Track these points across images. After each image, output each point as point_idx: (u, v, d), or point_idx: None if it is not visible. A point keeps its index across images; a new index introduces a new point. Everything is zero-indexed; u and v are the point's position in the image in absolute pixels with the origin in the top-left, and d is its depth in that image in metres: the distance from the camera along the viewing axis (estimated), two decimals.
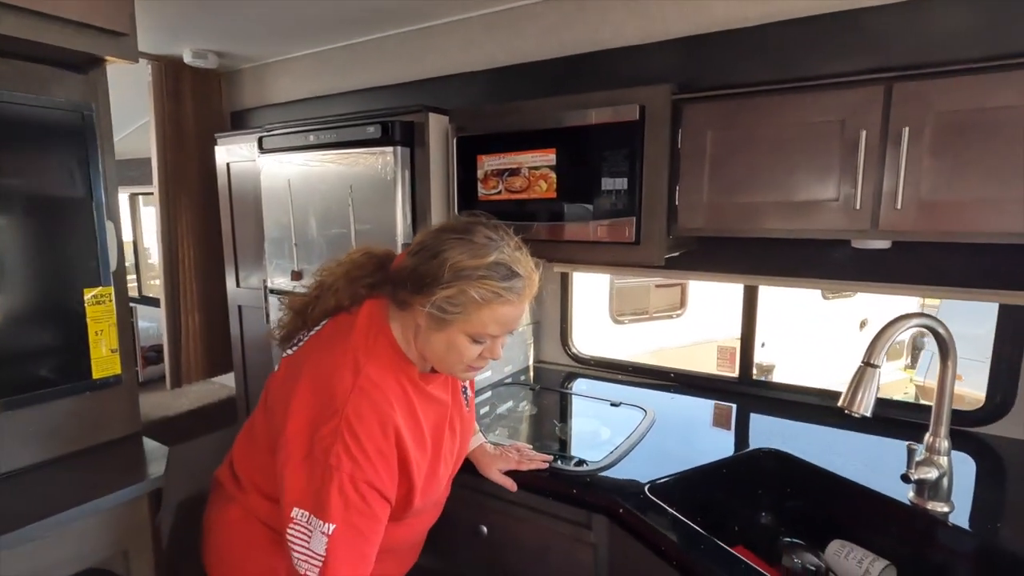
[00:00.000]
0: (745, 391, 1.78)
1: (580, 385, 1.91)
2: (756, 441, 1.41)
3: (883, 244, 1.28)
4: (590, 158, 1.35)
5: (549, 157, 1.40)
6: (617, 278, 3.75)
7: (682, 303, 4.37)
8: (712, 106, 1.28)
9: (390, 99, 1.86)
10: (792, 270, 1.54)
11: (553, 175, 1.40)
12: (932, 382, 3.87)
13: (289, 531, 0.81)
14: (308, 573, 0.80)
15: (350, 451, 0.82)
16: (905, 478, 1.10)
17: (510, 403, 1.77)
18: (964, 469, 1.26)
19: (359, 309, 0.95)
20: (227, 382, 2.38)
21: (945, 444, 1.10)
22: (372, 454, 0.84)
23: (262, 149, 1.78)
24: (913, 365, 6.11)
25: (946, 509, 1.10)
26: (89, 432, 1.00)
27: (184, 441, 2.12)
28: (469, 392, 1.18)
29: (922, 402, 1.59)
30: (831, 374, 3.88)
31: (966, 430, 1.45)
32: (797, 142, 1.21)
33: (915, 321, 1.05)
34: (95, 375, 0.92)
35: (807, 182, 1.21)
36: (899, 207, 1.10)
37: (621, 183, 1.32)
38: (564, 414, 1.66)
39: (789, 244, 1.54)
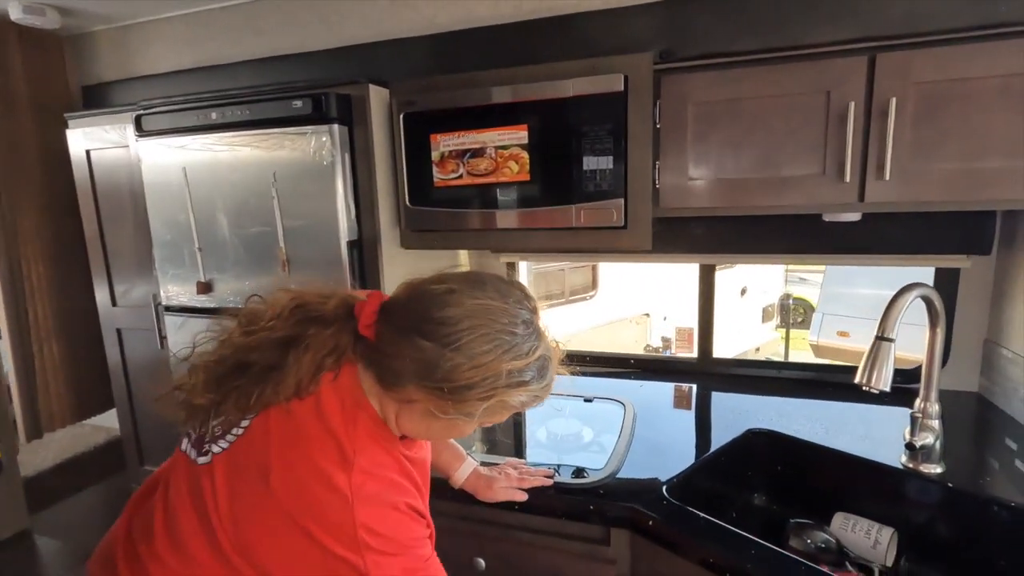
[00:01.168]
0: (707, 370, 1.77)
1: None
2: (735, 421, 1.39)
3: (854, 217, 1.30)
4: (569, 135, 1.21)
5: (520, 135, 1.24)
6: (535, 264, 3.69)
7: (594, 284, 4.44)
8: (693, 77, 1.20)
9: (299, 71, 1.57)
10: (769, 246, 1.53)
11: (525, 155, 1.25)
12: (826, 341, 4.35)
13: None
14: None
15: (388, 553, 0.69)
16: (910, 446, 1.13)
17: None
18: None
19: (318, 390, 0.73)
20: (105, 422, 1.93)
21: (936, 408, 1.14)
22: (406, 540, 0.72)
23: (141, 131, 1.41)
24: (783, 325, 6.85)
25: (939, 470, 1.13)
26: None
27: (51, 505, 1.68)
28: None
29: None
30: (726, 340, 4.21)
31: (907, 387, 1.56)
32: (782, 114, 1.17)
33: (916, 292, 1.06)
34: None
35: (793, 156, 1.18)
36: (887, 178, 1.11)
37: (605, 162, 1.20)
38: (537, 417, 1.52)
39: (755, 220, 1.53)
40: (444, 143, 1.30)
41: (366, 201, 1.32)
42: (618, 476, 1.18)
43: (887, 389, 1.02)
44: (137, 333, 1.70)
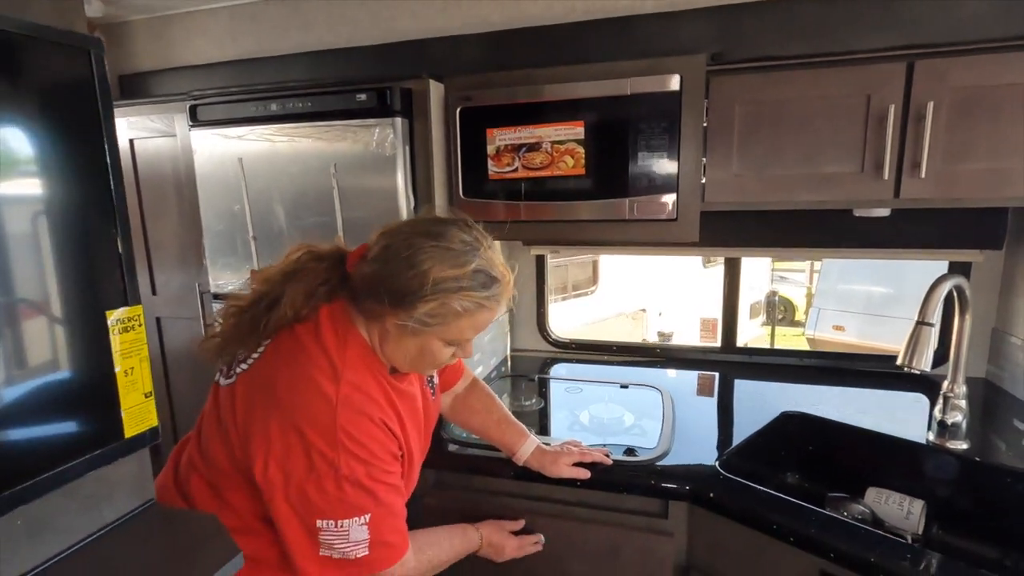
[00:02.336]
0: (730, 359, 1.86)
1: (573, 370, 1.86)
2: (766, 406, 1.47)
3: (884, 212, 1.39)
4: (625, 131, 1.27)
5: (576, 130, 1.30)
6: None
7: (595, 279, 4.53)
8: (741, 79, 1.28)
9: (348, 66, 1.60)
10: (799, 240, 1.62)
11: (581, 150, 1.31)
12: (821, 334, 4.49)
13: (322, 537, 0.83)
14: (359, 554, 0.85)
15: (358, 456, 0.83)
16: (941, 423, 1.22)
17: (510, 397, 1.66)
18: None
19: (317, 316, 0.89)
20: None
21: (963, 388, 1.24)
22: (376, 450, 0.86)
23: (195, 121, 1.43)
24: (768, 322, 7.05)
25: (966, 446, 1.23)
26: (95, 512, 0.70)
27: None
28: (435, 380, 1.13)
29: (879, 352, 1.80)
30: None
31: (924, 374, 1.66)
32: (825, 115, 1.25)
33: (951, 281, 1.15)
34: (128, 432, 0.63)
35: (834, 154, 1.26)
36: (923, 176, 1.19)
37: (660, 157, 1.26)
38: (578, 403, 1.59)
39: (785, 216, 1.62)
40: (500, 137, 1.35)
41: (423, 193, 1.36)
42: (670, 454, 1.25)
43: (928, 370, 1.11)
44: (177, 323, 1.71)
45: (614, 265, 4.49)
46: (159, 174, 1.62)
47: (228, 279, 1.50)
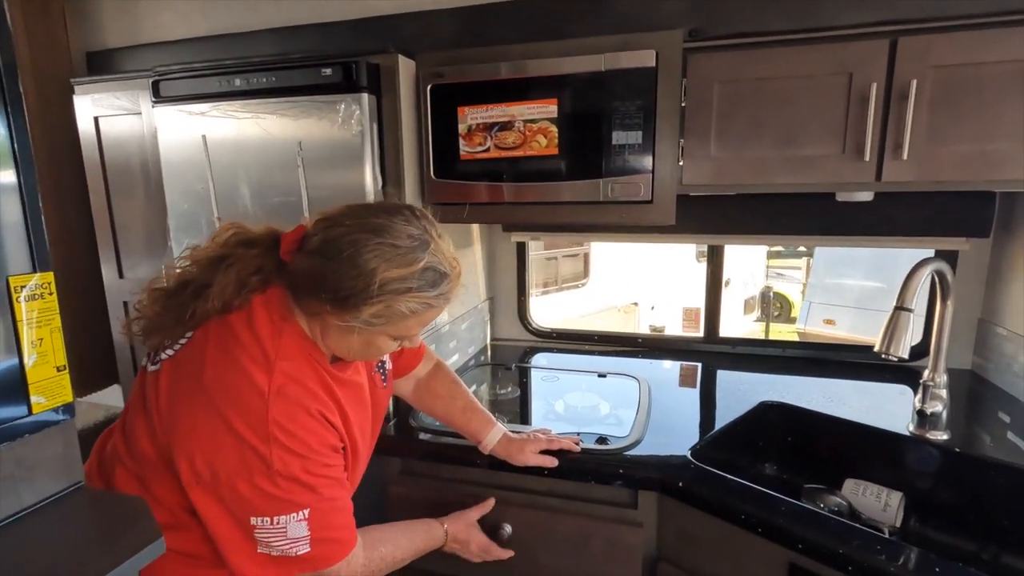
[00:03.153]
0: (713, 349, 1.82)
1: (553, 359, 1.82)
2: (746, 396, 1.44)
3: (867, 196, 1.35)
4: (599, 109, 1.23)
5: (549, 109, 1.26)
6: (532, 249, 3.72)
7: (585, 272, 4.49)
8: (719, 57, 1.23)
9: (319, 41, 1.55)
10: (781, 227, 1.58)
11: (554, 129, 1.26)
12: (812, 328, 4.47)
13: (257, 535, 0.79)
14: (300, 551, 0.81)
15: (292, 450, 0.78)
16: (921, 413, 1.19)
17: (488, 386, 1.62)
18: None
19: (251, 304, 0.83)
20: (106, 399, 1.89)
21: (944, 378, 1.20)
22: (313, 443, 0.81)
23: (158, 97, 1.38)
24: (763, 318, 7.02)
25: (946, 437, 1.20)
26: (13, 495, 0.66)
27: None
28: (388, 366, 1.08)
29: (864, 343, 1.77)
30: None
31: (907, 364, 1.63)
32: (805, 95, 1.21)
33: (931, 266, 1.11)
34: (36, 408, 0.59)
35: (815, 135, 1.21)
36: (905, 158, 1.15)
37: (635, 137, 1.22)
38: (554, 392, 1.55)
39: (767, 202, 1.58)
40: (472, 116, 1.31)
41: (393, 173, 1.31)
42: (641, 444, 1.21)
43: (905, 356, 1.07)
44: None
45: (605, 258, 4.45)
46: (125, 154, 1.57)
47: None
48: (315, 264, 0.79)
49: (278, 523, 0.79)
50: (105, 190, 1.61)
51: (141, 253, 1.63)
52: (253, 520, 0.78)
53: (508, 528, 1.18)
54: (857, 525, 0.92)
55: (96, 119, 1.57)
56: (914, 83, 1.11)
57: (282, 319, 0.83)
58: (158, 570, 0.74)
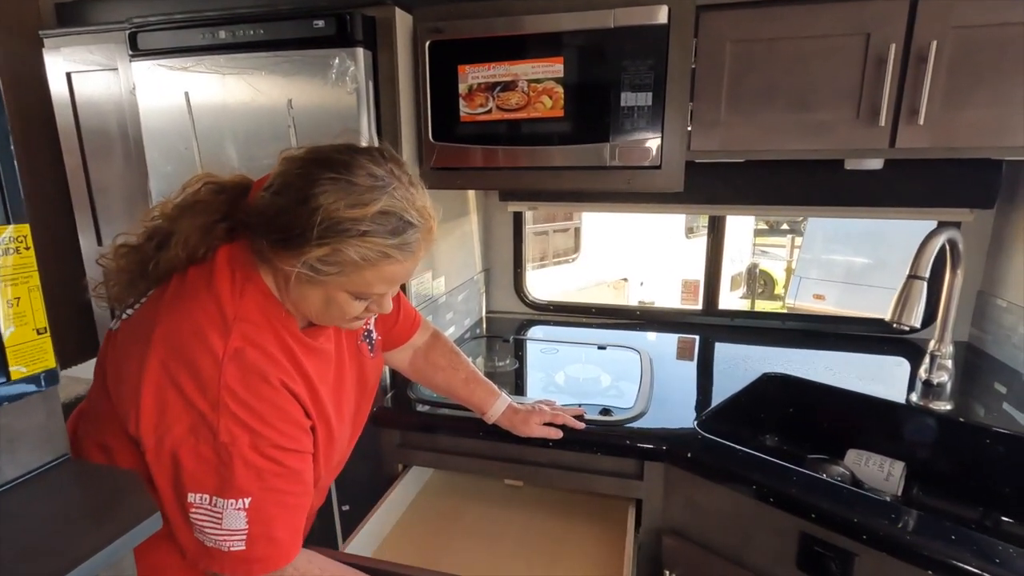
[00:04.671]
0: (712, 322, 1.81)
1: (550, 332, 1.80)
2: (746, 368, 1.43)
3: (877, 164, 1.32)
4: (607, 69, 1.17)
5: (555, 68, 1.20)
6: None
7: (576, 247, 4.45)
8: (732, 15, 1.18)
9: None
10: (787, 197, 1.55)
11: (560, 89, 1.21)
12: (802, 303, 4.51)
13: (192, 515, 0.70)
14: (233, 547, 0.71)
15: (242, 421, 0.69)
16: (927, 384, 1.18)
17: (485, 359, 1.59)
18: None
19: (214, 258, 0.76)
20: (86, 373, 1.82)
21: (950, 348, 1.19)
22: (268, 416, 0.72)
23: (136, 50, 1.29)
24: (748, 294, 7.07)
25: (949, 407, 1.19)
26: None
27: None
28: (375, 336, 0.99)
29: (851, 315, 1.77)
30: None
31: (905, 337, 1.63)
32: (820, 56, 1.16)
33: (945, 234, 1.09)
34: (15, 375, 0.54)
35: (829, 99, 1.17)
36: (921, 123, 1.12)
37: (644, 98, 1.17)
38: (554, 364, 1.52)
39: (774, 171, 1.55)
40: (473, 75, 1.25)
41: (389, 135, 1.25)
42: (646, 415, 1.19)
43: (917, 325, 1.05)
44: None
45: (596, 233, 4.42)
46: (101, 112, 1.48)
47: None
48: (266, 201, 0.72)
49: (215, 506, 0.70)
50: (80, 151, 1.52)
51: (122, 218, 1.55)
52: (191, 497, 0.70)
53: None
54: (870, 494, 0.91)
55: (68, 75, 1.47)
56: (934, 44, 1.08)
57: (245, 277, 0.75)
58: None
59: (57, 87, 1.49)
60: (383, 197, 0.70)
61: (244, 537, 0.71)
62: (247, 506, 0.70)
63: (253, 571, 0.73)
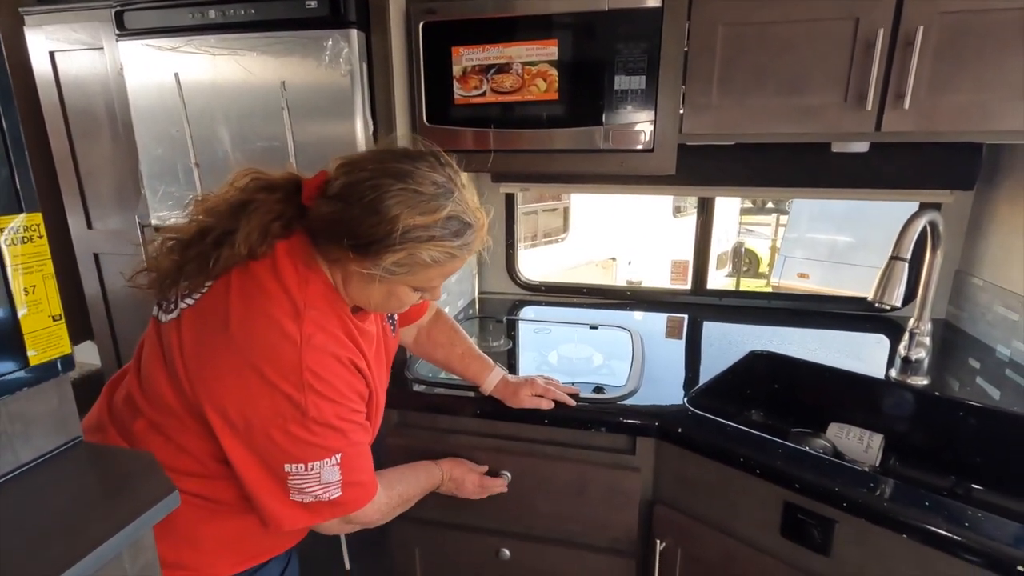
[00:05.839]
0: (700, 301, 1.85)
1: (542, 312, 1.82)
2: (734, 346, 1.47)
3: (863, 147, 1.35)
4: (601, 52, 1.18)
5: (549, 50, 1.20)
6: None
7: (565, 227, 4.47)
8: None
9: None
10: (774, 179, 1.58)
11: (554, 72, 1.21)
12: (787, 282, 4.58)
13: (291, 482, 0.80)
14: (332, 496, 0.82)
15: (326, 396, 0.79)
16: (906, 360, 1.23)
17: (478, 339, 1.61)
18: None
19: (274, 252, 0.81)
20: (79, 356, 1.82)
21: (928, 326, 1.24)
22: (344, 388, 0.82)
23: (122, 30, 1.27)
24: (734, 273, 7.17)
25: (926, 382, 1.25)
26: (9, 451, 0.62)
27: None
28: (395, 316, 1.07)
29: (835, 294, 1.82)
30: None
31: (885, 316, 1.68)
32: (810, 40, 1.18)
33: (927, 216, 1.13)
34: (33, 360, 0.55)
35: (818, 83, 1.20)
36: (906, 108, 1.15)
37: (638, 82, 1.18)
38: (547, 344, 1.55)
39: (761, 153, 1.57)
40: (467, 57, 1.25)
41: (384, 118, 1.25)
42: (638, 393, 1.23)
43: (898, 305, 1.10)
44: (118, 259, 1.59)
45: (584, 213, 4.43)
46: (87, 94, 1.46)
47: (171, 210, 1.38)
48: (336, 209, 0.77)
49: (312, 469, 0.80)
50: (67, 133, 1.50)
51: (112, 202, 1.54)
52: (287, 467, 0.79)
53: (508, 475, 1.20)
54: (850, 465, 0.96)
55: (52, 54, 1.44)
56: (920, 29, 1.10)
57: (307, 268, 0.81)
58: (181, 518, 0.76)
59: (40, 66, 1.46)
60: (448, 204, 0.77)
61: (339, 485, 0.82)
62: (339, 461, 0.81)
63: (349, 510, 0.86)
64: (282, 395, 0.76)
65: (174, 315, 0.82)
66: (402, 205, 0.75)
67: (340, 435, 0.81)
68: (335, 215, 0.77)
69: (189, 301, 0.81)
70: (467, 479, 1.15)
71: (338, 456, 0.81)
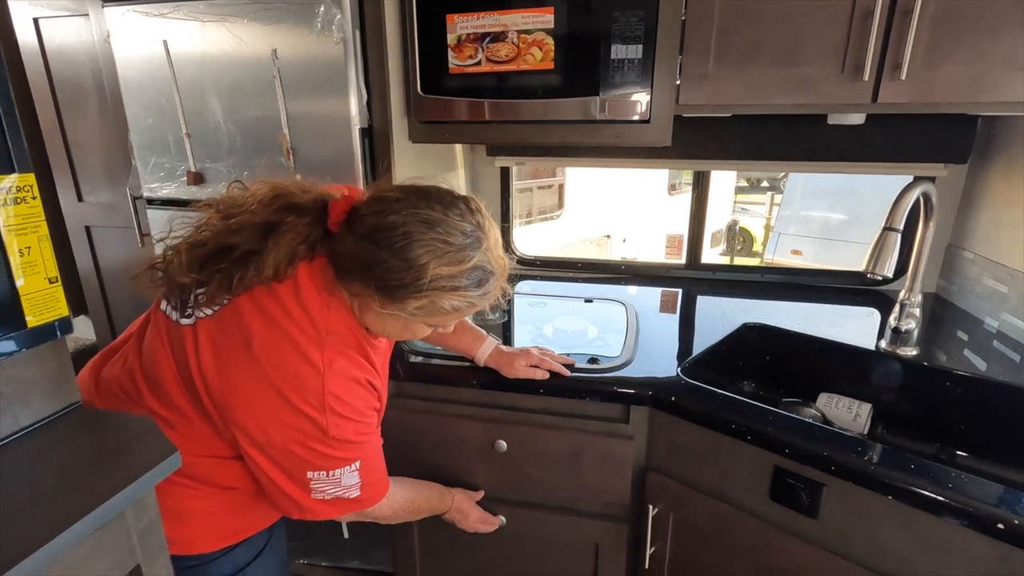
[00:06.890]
0: (694, 276, 1.86)
1: (538, 286, 1.83)
2: (727, 319, 1.49)
3: (859, 119, 1.35)
4: (597, 19, 1.17)
5: (545, 18, 1.19)
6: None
7: (560, 204, 4.45)
8: None
9: None
10: (770, 152, 1.57)
11: (550, 41, 1.20)
12: (780, 259, 4.59)
13: (313, 485, 0.84)
14: (352, 495, 0.88)
15: (346, 417, 0.83)
16: (896, 331, 1.25)
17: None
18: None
19: (296, 274, 0.83)
20: (73, 330, 1.82)
21: (919, 298, 1.26)
22: (362, 407, 0.86)
23: None
24: (728, 251, 7.19)
25: (915, 352, 1.27)
26: (9, 414, 0.62)
27: None
28: None
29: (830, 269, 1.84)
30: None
31: (877, 289, 1.70)
32: (807, 10, 1.17)
33: (920, 188, 1.13)
34: (31, 322, 0.55)
35: (815, 53, 1.19)
36: (903, 79, 1.15)
37: (635, 51, 1.17)
38: (542, 317, 1.56)
39: (756, 126, 1.57)
40: (461, 25, 1.23)
41: (377, 87, 1.23)
42: (632, 364, 1.24)
43: (890, 276, 1.11)
44: (108, 232, 1.57)
45: (580, 191, 4.42)
46: (74, 62, 1.43)
47: (163, 182, 1.37)
48: (365, 249, 0.78)
49: (333, 475, 0.85)
50: (54, 104, 1.47)
51: (102, 174, 1.52)
52: (309, 474, 0.84)
53: (503, 444, 1.22)
54: (838, 430, 0.98)
55: (36, 21, 1.41)
56: None
57: (328, 293, 0.83)
58: (169, 495, 0.79)
59: (25, 34, 1.42)
60: (475, 255, 0.79)
61: (359, 485, 0.88)
62: (359, 467, 0.87)
63: (367, 506, 0.92)
64: (304, 416, 0.80)
65: (189, 320, 0.83)
66: (431, 255, 0.76)
67: (359, 447, 0.87)
68: (363, 255, 0.78)
69: (208, 311, 0.82)
70: (472, 514, 1.22)
71: (357, 463, 0.87)
